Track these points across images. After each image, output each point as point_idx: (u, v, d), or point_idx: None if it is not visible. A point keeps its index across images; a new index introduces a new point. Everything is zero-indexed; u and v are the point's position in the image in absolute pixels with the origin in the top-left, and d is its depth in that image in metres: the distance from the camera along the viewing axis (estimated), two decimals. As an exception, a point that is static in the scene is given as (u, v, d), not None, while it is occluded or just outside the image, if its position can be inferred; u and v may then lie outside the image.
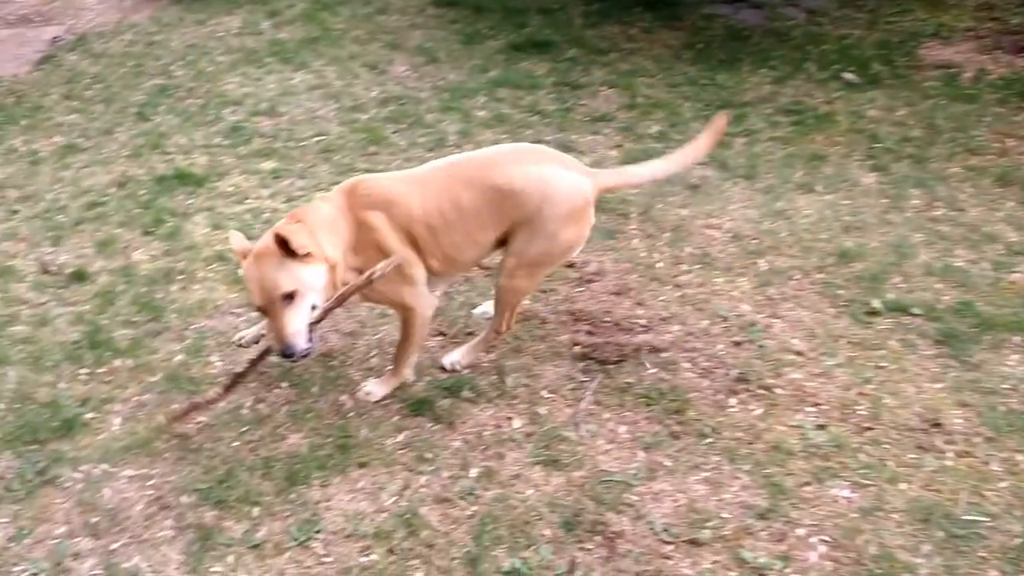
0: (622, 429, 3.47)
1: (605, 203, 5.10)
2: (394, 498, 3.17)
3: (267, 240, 3.04)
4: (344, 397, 3.72)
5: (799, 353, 3.85)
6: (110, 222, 5.19)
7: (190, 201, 5.40)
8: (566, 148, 5.86)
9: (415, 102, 6.80)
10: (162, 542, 3.01)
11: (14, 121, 6.69)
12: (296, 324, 3.03)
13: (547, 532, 2.99)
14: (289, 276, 2.99)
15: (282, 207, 5.31)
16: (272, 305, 3.02)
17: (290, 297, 3.01)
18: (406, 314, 3.49)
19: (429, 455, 3.36)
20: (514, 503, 3.11)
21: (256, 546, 2.97)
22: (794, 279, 4.41)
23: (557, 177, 3.34)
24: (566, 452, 3.34)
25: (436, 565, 2.87)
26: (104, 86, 7.15)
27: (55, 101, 6.93)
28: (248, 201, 5.42)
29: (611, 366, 3.82)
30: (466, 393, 3.68)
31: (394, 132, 6.35)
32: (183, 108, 6.76)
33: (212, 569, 2.89)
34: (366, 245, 3.28)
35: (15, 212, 5.36)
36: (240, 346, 3.96)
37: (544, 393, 3.69)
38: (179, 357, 4.01)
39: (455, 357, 3.80)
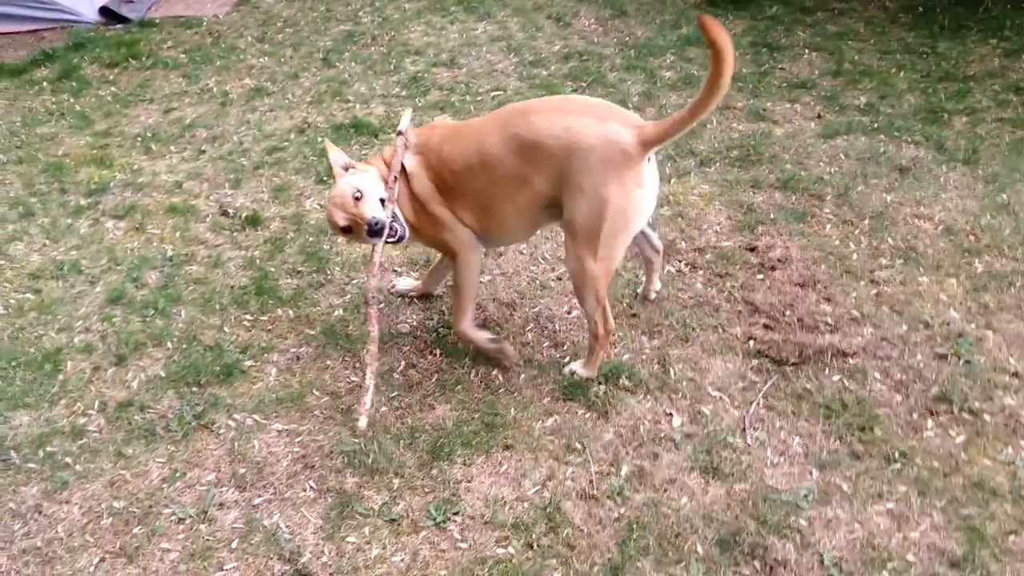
0: (795, 441, 3.10)
1: (797, 181, 4.64)
2: (537, 488, 2.97)
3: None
4: (495, 371, 3.54)
5: (1015, 375, 3.31)
6: (287, 168, 5.25)
7: (364, 152, 5.37)
8: (759, 116, 5.39)
9: (598, 59, 6.49)
10: (302, 503, 2.96)
11: (210, 61, 6.94)
12: (372, 210, 3.19)
13: (700, 549, 2.70)
14: (349, 184, 3.23)
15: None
16: (350, 211, 3.19)
17: (358, 198, 3.19)
18: (452, 260, 3.45)
19: (578, 445, 3.14)
20: (666, 511, 2.83)
21: (393, 520, 2.86)
22: (1016, 285, 3.81)
23: (584, 127, 2.95)
24: (729, 460, 3.02)
25: (575, 568, 2.66)
26: (295, 30, 7.28)
27: (248, 44, 7.13)
28: (419, 155, 5.31)
29: (789, 368, 3.43)
30: (624, 381, 3.42)
31: (573, 90, 6.07)
32: (366, 56, 6.78)
33: (347, 539, 2.81)
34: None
35: (202, 152, 5.54)
36: (392, 293, 3.91)
37: (710, 390, 3.36)
38: (338, 312, 3.97)
39: (575, 367, 3.49)
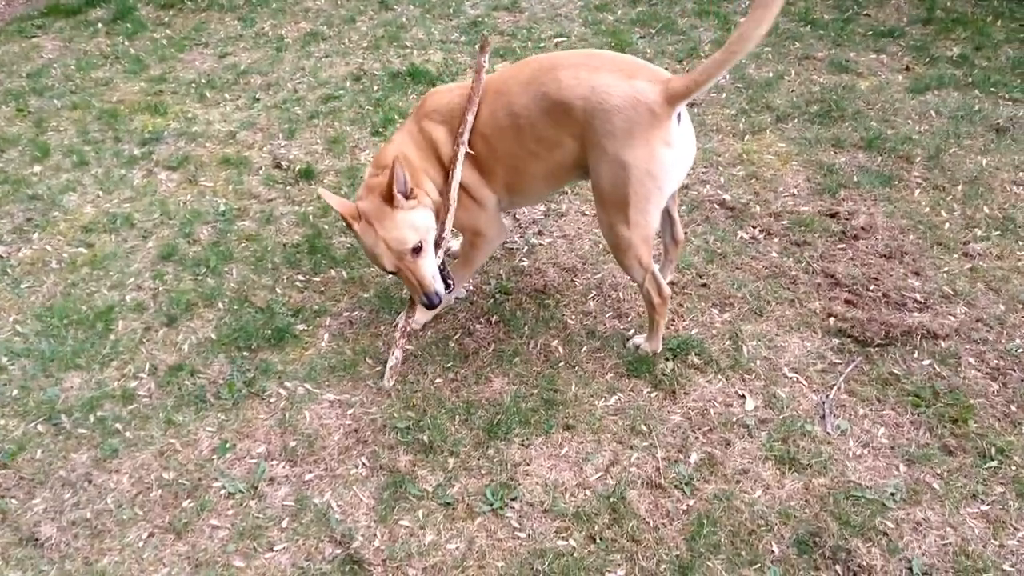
0: (880, 432, 2.87)
1: (883, 141, 4.30)
2: (600, 473, 2.80)
3: (369, 197, 2.95)
4: (555, 343, 3.36)
5: None
6: (342, 118, 5.07)
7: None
8: (841, 68, 5.02)
9: (668, 3, 6.12)
10: (354, 481, 2.85)
11: (266, 3, 6.76)
12: (431, 271, 3.01)
13: (775, 549, 2.51)
14: (411, 229, 2.93)
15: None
16: (403, 262, 2.95)
17: (418, 249, 2.95)
18: (474, 238, 3.24)
19: (643, 428, 2.95)
20: (738, 505, 2.64)
21: (448, 504, 2.73)
22: None
23: (610, 86, 2.71)
24: (807, 450, 2.81)
25: (640, 565, 2.49)
26: (351, -28, 7.02)
27: (304, -15, 6.90)
28: (478, 106, 5.07)
29: (873, 349, 3.18)
30: (693, 359, 3.21)
31: (641, 37, 5.75)
32: (424, -1, 6.51)
33: (401, 522, 2.69)
34: (434, 159, 3.09)
35: (256, 100, 5.39)
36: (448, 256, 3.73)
37: (786, 371, 3.14)
38: (390, 276, 3.80)
39: (638, 341, 3.29)
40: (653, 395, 3.10)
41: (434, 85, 5.32)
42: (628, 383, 3.16)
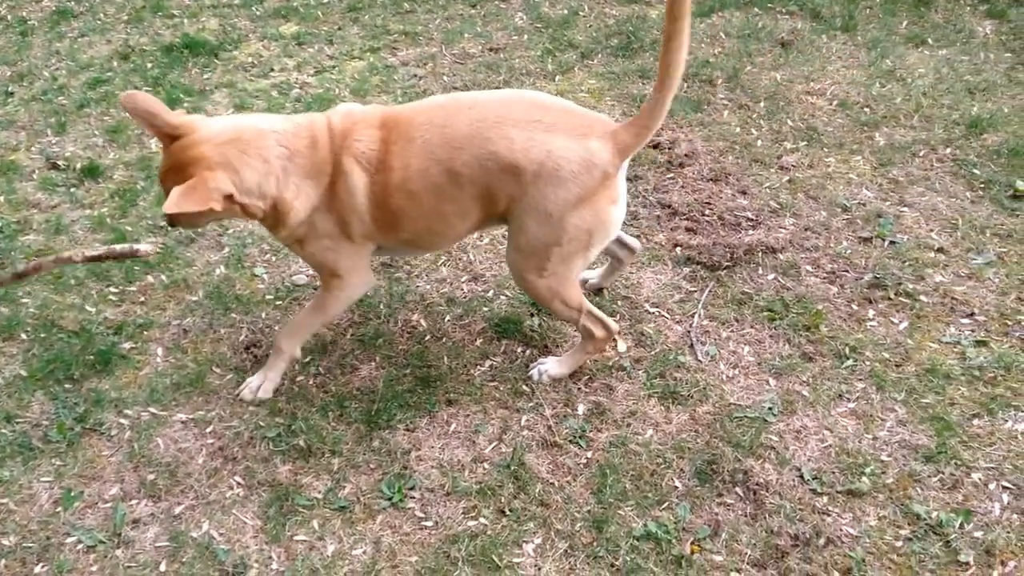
0: (746, 351, 2.99)
1: (687, 67, 4.42)
2: (493, 443, 2.73)
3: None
4: (416, 316, 3.22)
5: (940, 250, 3.33)
6: (118, 104, 4.53)
7: (206, 76, 4.73)
8: None
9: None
10: (232, 504, 2.60)
11: (-7, -17, 5.88)
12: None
13: (678, 484, 2.56)
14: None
15: (311, 80, 4.64)
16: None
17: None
18: (331, 281, 2.78)
19: (526, 388, 2.91)
20: (635, 448, 2.67)
21: (343, 508, 2.55)
22: (919, 156, 3.82)
23: (563, 149, 2.48)
24: (685, 381, 2.88)
25: (556, 529, 2.46)
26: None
27: (37, -43, 6.07)
28: (273, 74, 4.74)
29: (722, 272, 3.30)
30: (557, 308, 3.17)
31: None
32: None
33: (296, 537, 2.49)
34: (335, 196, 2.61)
35: (10, 94, 4.72)
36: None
37: (648, 307, 3.19)
38: (220, 270, 3.50)
39: (546, 367, 2.95)
40: (527, 353, 3.05)
41: (217, 56, 4.90)
42: (499, 346, 3.09)
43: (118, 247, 2.92)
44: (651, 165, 3.87)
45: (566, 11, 5.17)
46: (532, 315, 3.17)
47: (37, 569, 2.45)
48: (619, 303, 3.20)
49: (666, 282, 3.28)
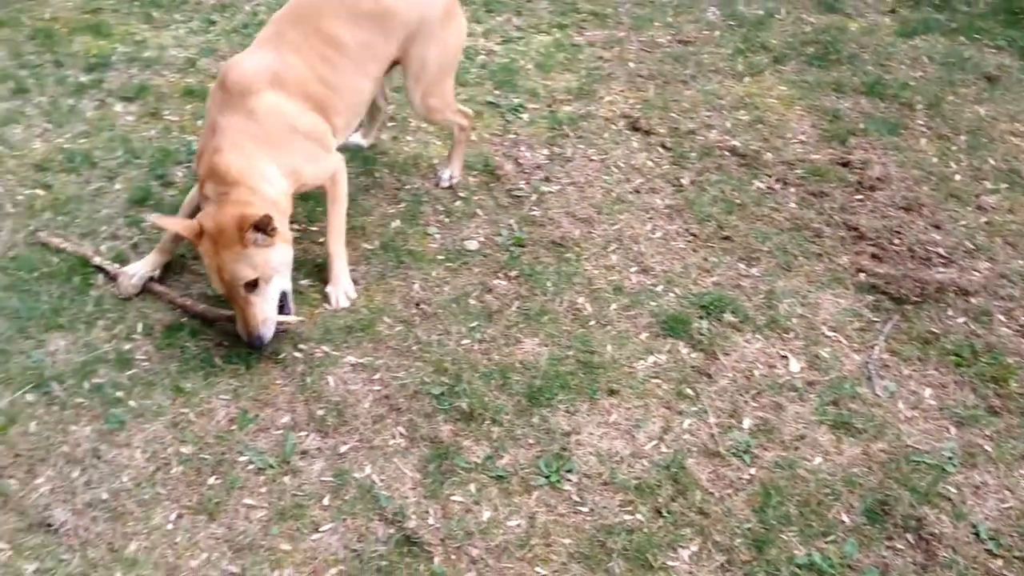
0: (927, 393, 2.87)
1: (883, 87, 4.25)
2: (654, 442, 2.70)
3: (219, 217, 2.75)
4: (582, 300, 3.22)
5: None
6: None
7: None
8: (830, 8, 4.92)
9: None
10: (394, 452, 2.66)
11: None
12: (267, 311, 2.85)
13: (846, 519, 2.48)
14: (250, 267, 2.77)
15: (497, 48, 4.67)
16: (234, 292, 2.79)
17: (253, 285, 2.78)
18: (333, 185, 3.19)
19: (690, 392, 2.86)
20: (802, 473, 2.59)
21: (500, 478, 2.58)
22: None
23: None
24: (860, 414, 2.78)
25: (714, 540, 2.42)
26: None
27: None
28: (462, 38, 4.77)
29: (908, 306, 3.17)
30: (728, 316, 3.13)
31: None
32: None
33: (453, 497, 2.53)
34: (279, 131, 2.97)
35: (212, 23, 4.93)
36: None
37: (825, 330, 3.09)
38: (395, 224, 3.57)
39: (446, 175, 3.72)
40: (693, 356, 3.00)
41: None
42: (664, 343, 3.06)
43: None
44: (839, 183, 3.74)
45: (762, 12, 5.02)
46: (701, 318, 3.12)
47: (211, 480, 2.57)
48: (795, 320, 3.11)
49: (846, 307, 3.17)
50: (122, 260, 3.30)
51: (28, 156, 3.86)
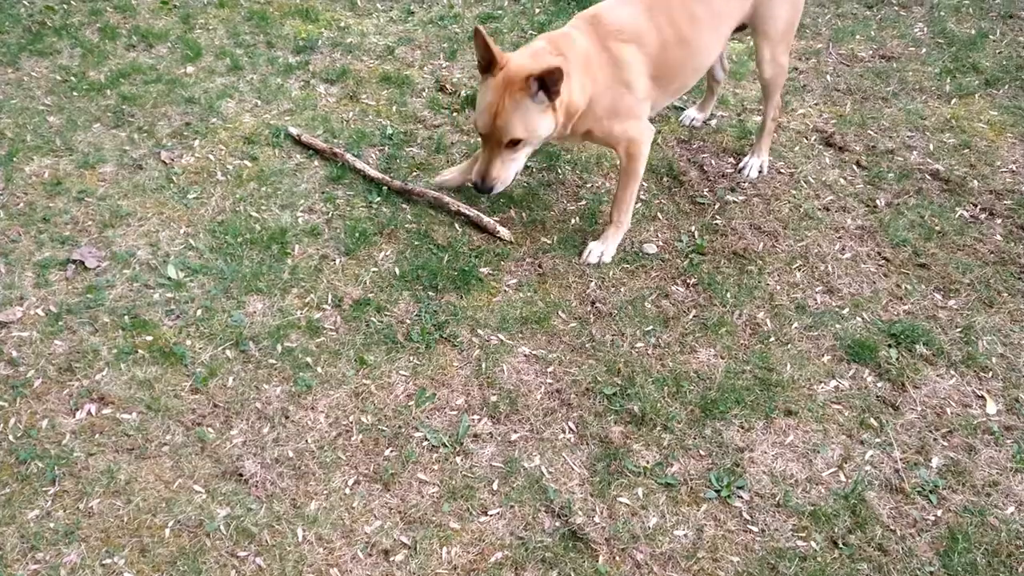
0: None
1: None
2: (832, 469, 2.60)
3: (522, 63, 2.79)
4: (762, 315, 3.13)
5: None
6: (503, 41, 4.78)
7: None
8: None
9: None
10: (563, 447, 2.69)
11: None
12: (508, 171, 2.96)
13: (1040, 577, 2.30)
14: (525, 122, 2.81)
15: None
16: (493, 138, 2.86)
17: (514, 143, 2.86)
18: (632, 148, 3.18)
19: (874, 422, 2.73)
20: (993, 521, 2.43)
21: (670, 485, 2.56)
22: None
23: None
24: (1064, 468, 2.57)
25: (892, 580, 2.30)
26: None
27: None
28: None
29: None
30: (921, 348, 2.96)
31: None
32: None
33: (620, 499, 2.53)
34: (615, 82, 3.02)
35: (411, 13, 5.11)
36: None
37: (1029, 373, 2.87)
38: (574, 221, 3.60)
39: (758, 161, 3.78)
40: (880, 385, 2.87)
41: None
42: (848, 368, 2.93)
43: (486, 218, 3.50)
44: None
45: (974, 31, 4.72)
46: (890, 346, 2.97)
47: (387, 452, 2.68)
48: (994, 359, 2.92)
49: (1054, 352, 2.94)
50: (317, 232, 3.47)
51: (239, 129, 4.13)
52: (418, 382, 2.90)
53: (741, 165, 3.83)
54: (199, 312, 3.13)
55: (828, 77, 4.44)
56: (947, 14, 4.89)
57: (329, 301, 3.20)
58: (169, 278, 3.26)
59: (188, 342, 3.02)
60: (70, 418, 2.73)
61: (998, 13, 4.93)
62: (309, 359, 2.97)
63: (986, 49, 4.58)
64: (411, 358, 2.98)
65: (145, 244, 3.42)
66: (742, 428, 2.73)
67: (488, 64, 2.83)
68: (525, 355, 3.00)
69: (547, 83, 2.73)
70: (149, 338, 3.03)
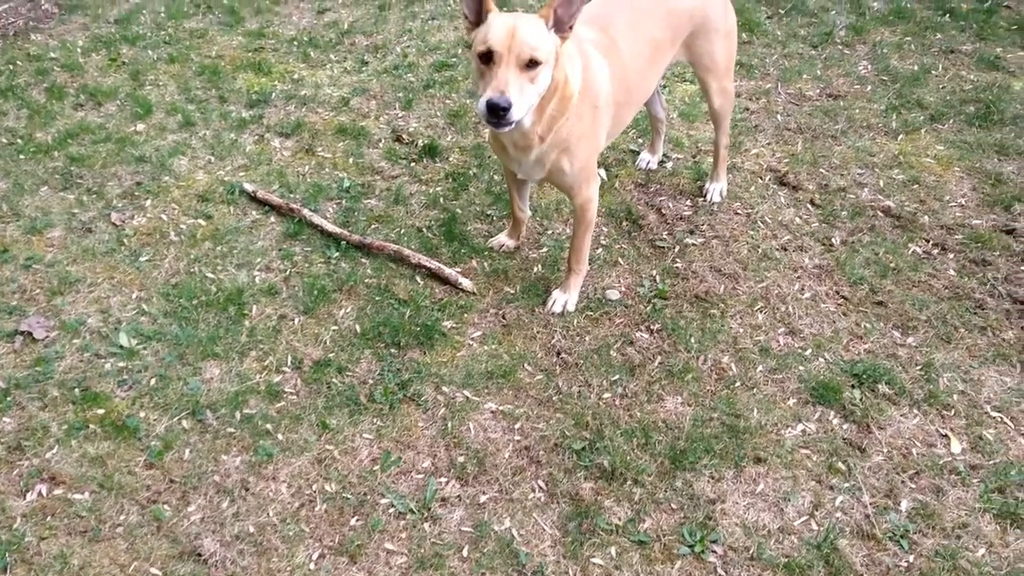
0: (1108, 488, 2.64)
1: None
2: (803, 517, 2.59)
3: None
4: (727, 359, 3.13)
5: None
6: (459, 90, 4.79)
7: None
8: (991, 65, 4.71)
9: (797, -19, 5.76)
10: (533, 507, 2.64)
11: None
12: (525, 96, 2.55)
13: (1016, 623, 2.30)
14: (543, 45, 2.54)
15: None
16: (508, 59, 2.51)
17: (534, 64, 2.54)
18: (587, 205, 3.14)
19: (842, 466, 2.74)
20: (964, 565, 2.43)
21: (641, 543, 2.52)
22: None
23: None
24: (1031, 506, 2.58)
25: (869, 631, 2.28)
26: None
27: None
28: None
29: (1084, 391, 2.93)
30: (883, 387, 2.98)
31: (768, 17, 5.41)
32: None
33: (593, 559, 2.49)
34: (586, 89, 2.90)
35: (365, 64, 5.11)
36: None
37: (988, 409, 2.91)
38: (537, 269, 3.59)
39: (719, 186, 3.91)
40: (844, 427, 2.87)
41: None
42: (814, 411, 2.94)
43: (447, 270, 3.46)
44: (1003, 251, 3.53)
45: (916, 67, 4.84)
46: (853, 387, 2.99)
47: (352, 521, 2.61)
48: (955, 396, 2.94)
49: (1012, 386, 2.98)
50: (274, 292, 3.42)
51: (192, 187, 4.06)
52: (383, 445, 2.84)
53: (704, 191, 3.94)
54: (153, 381, 3.05)
55: (779, 116, 4.51)
56: (890, 51, 5.01)
57: (289, 363, 3.14)
58: (121, 346, 3.18)
59: (142, 414, 2.93)
60: (20, 500, 2.63)
61: (939, 49, 5.06)
62: (269, 426, 2.90)
63: (929, 84, 4.69)
64: (375, 420, 2.93)
65: (96, 311, 3.33)
66: (712, 478, 2.71)
67: (478, 17, 2.65)
68: (492, 411, 2.96)
69: (562, 17, 2.59)
70: (101, 411, 2.94)
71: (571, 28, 2.64)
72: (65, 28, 5.53)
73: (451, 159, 4.24)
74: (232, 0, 5.90)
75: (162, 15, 5.73)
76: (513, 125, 2.56)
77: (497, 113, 2.47)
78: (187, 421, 2.92)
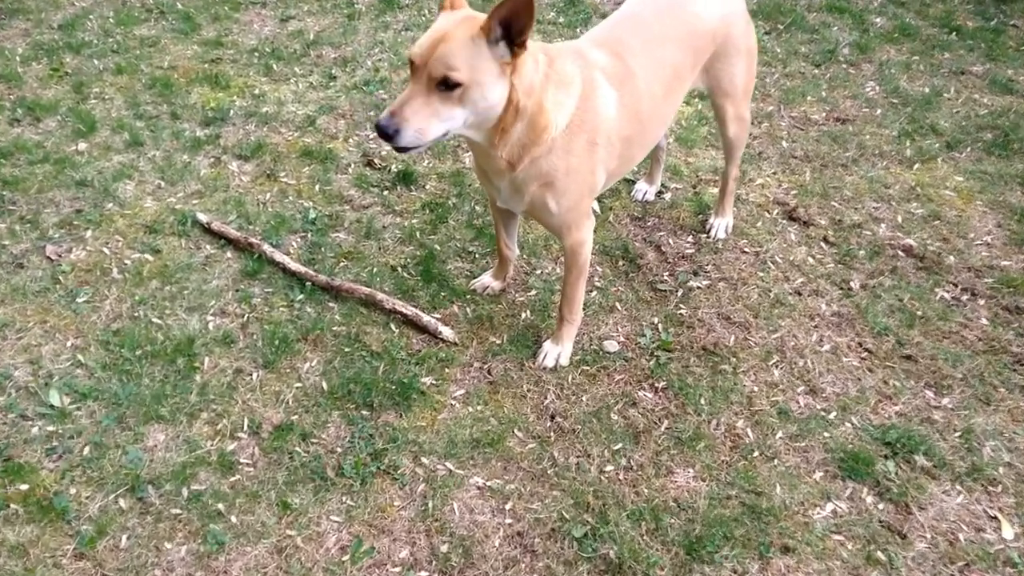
0: None
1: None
2: (843, 622, 2.23)
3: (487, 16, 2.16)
4: (741, 423, 2.77)
5: None
6: (437, 109, 4.38)
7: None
8: (1004, 88, 4.43)
9: (795, -4, 5.46)
10: (530, 609, 2.25)
11: (331, -37, 5.99)
12: (427, 122, 2.15)
13: None
14: (471, 62, 2.13)
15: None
16: (423, 75, 2.14)
17: (447, 85, 2.13)
18: (579, 249, 2.76)
19: (881, 555, 2.39)
20: None
21: (658, 656, 2.14)
22: None
23: None
24: (1100, 606, 2.24)
25: None
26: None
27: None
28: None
29: None
30: (920, 458, 2.64)
31: (767, 33, 5.09)
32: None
33: None
34: (581, 121, 2.49)
35: (333, 78, 4.70)
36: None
37: (1043, 488, 2.57)
38: (525, 315, 3.21)
39: (724, 222, 3.57)
40: (881, 507, 2.53)
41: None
42: (844, 487, 2.59)
43: (425, 317, 3.08)
44: (1039, 299, 3.21)
45: (927, 89, 4.55)
46: (887, 457, 2.65)
47: (318, 627, 2.20)
48: (1002, 470, 2.62)
49: (1064, 458, 2.65)
50: (230, 341, 3.00)
51: (138, 216, 3.64)
52: (353, 529, 2.44)
53: (708, 226, 3.60)
54: (87, 450, 2.62)
55: (784, 143, 4.18)
56: (898, 72, 4.71)
57: (245, 428, 2.73)
58: (52, 406, 2.75)
59: (72, 490, 2.51)
60: (-84, 608, 2.19)
61: (949, 69, 4.77)
62: (221, 505, 2.49)
63: (942, 108, 4.39)
64: (344, 498, 2.53)
65: (24, 362, 2.90)
66: (735, 572, 2.34)
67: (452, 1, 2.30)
68: (479, 487, 2.58)
69: (512, 27, 2.11)
70: (24, 487, 2.51)
71: (523, 44, 2.16)
72: (4, 34, 5.05)
73: (428, 187, 3.85)
74: (187, 5, 5.45)
75: (110, 20, 5.27)
76: (414, 151, 2.27)
77: (386, 136, 2.15)
78: (125, 499, 2.50)
